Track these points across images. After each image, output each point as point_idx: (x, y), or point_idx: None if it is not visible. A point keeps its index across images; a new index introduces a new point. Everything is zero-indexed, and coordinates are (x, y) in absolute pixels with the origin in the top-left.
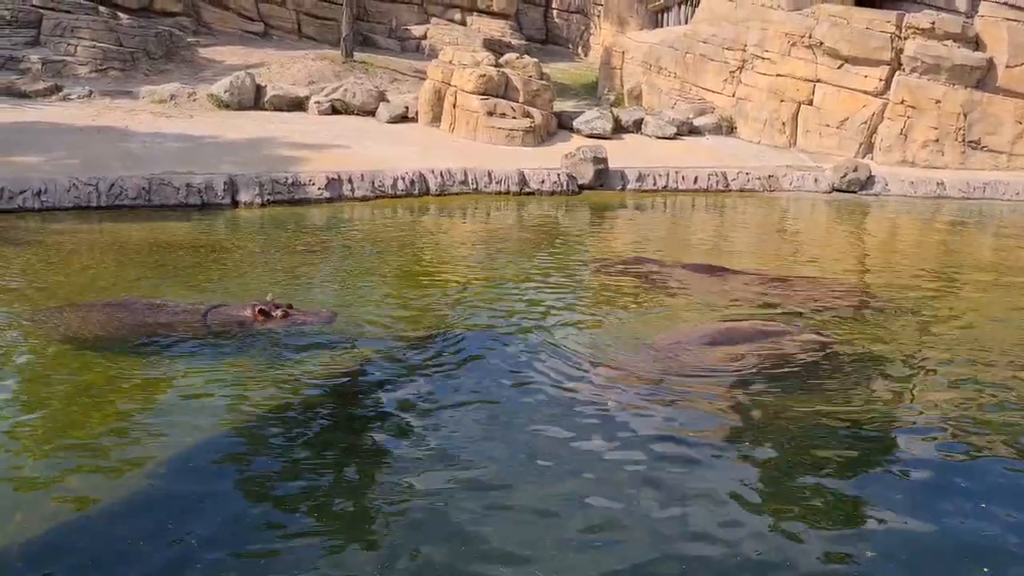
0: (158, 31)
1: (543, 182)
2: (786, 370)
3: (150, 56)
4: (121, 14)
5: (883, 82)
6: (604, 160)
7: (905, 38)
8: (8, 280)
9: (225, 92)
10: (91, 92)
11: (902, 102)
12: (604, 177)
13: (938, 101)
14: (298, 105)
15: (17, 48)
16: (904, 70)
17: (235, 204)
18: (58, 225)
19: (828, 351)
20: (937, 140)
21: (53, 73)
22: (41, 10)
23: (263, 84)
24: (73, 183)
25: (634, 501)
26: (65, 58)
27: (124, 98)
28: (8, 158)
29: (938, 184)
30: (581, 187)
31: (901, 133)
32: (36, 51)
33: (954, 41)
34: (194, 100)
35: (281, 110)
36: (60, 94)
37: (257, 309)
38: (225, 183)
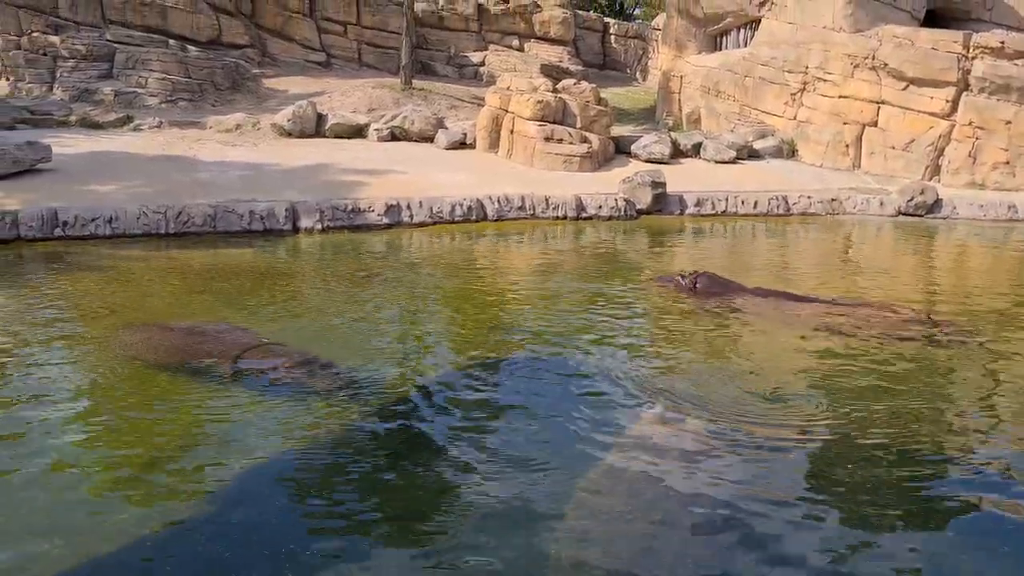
0: (225, 63)
1: (600, 207)
2: (854, 404)
3: (217, 87)
4: (190, 47)
5: (950, 103)
6: (662, 185)
7: (973, 58)
8: (81, 302)
9: (288, 121)
10: (161, 122)
11: (970, 123)
12: (662, 202)
13: (1008, 122)
14: (358, 132)
15: (92, 81)
16: (972, 91)
17: (296, 230)
18: (128, 251)
19: (897, 381)
20: (1008, 162)
21: (125, 104)
22: (114, 44)
23: (324, 112)
24: (143, 211)
25: (700, 530)
26: (136, 90)
27: (192, 128)
28: (83, 186)
29: (1010, 207)
30: (639, 212)
31: (969, 155)
32: (109, 83)
33: None
34: (258, 129)
35: (341, 137)
36: (131, 124)
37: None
38: (287, 210)
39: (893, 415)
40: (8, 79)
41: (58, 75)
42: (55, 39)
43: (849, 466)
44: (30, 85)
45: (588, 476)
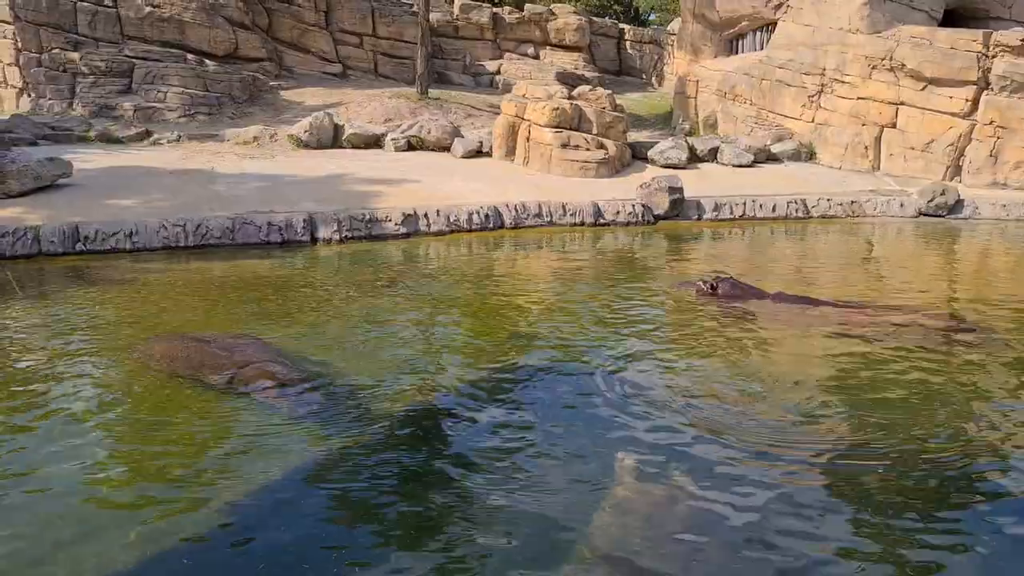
0: (242, 76)
1: (618, 213)
2: (885, 415)
3: (235, 100)
4: (208, 61)
5: (970, 102)
6: (679, 190)
7: (993, 57)
8: (102, 316)
9: (305, 132)
10: (179, 136)
11: (991, 122)
12: (680, 207)
13: None
14: (375, 142)
15: (111, 96)
16: (992, 90)
17: (314, 241)
18: (148, 264)
19: (929, 389)
20: None
21: (144, 119)
22: (133, 59)
23: (341, 123)
24: (162, 224)
25: (730, 550)
26: (155, 104)
27: (210, 141)
28: (103, 201)
29: None
30: (657, 217)
31: (991, 154)
32: (129, 98)
33: None
34: (275, 141)
35: (358, 148)
36: (151, 139)
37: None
38: (304, 221)
39: (929, 427)
40: (29, 96)
41: (78, 91)
42: (75, 56)
43: (885, 484)
44: (51, 101)
45: (610, 499)
